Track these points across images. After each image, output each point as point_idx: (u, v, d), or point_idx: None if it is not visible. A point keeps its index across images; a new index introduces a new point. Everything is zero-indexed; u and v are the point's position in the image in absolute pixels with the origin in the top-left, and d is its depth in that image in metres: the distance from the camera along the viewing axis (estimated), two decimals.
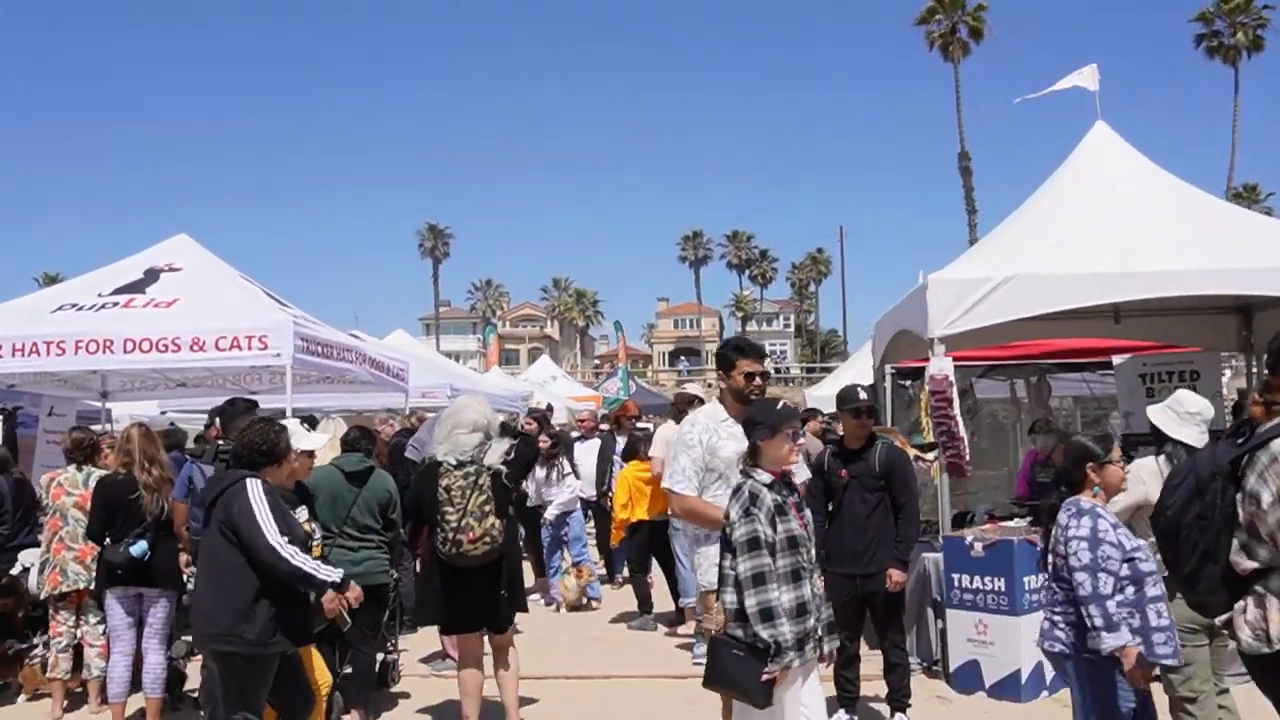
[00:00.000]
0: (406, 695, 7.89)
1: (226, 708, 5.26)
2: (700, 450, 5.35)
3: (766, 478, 4.68)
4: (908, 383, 12.74)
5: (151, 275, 10.33)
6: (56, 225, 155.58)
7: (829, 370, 73.73)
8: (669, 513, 7.80)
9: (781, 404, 4.87)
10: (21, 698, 8.02)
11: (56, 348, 9.39)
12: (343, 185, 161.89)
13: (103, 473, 7.72)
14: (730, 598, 4.56)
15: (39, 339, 9.41)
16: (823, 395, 27.78)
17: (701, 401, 10.56)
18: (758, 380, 5.40)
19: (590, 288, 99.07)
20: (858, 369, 26.12)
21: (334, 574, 5.42)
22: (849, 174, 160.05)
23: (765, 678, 4.44)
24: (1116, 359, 11.44)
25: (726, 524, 4.63)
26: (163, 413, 14.19)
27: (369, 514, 7.14)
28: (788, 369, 73.64)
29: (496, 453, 6.49)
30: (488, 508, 6.27)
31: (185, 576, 7.71)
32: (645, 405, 26.10)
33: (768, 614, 4.46)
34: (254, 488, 5.29)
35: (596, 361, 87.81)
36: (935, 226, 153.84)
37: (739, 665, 4.49)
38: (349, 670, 7.24)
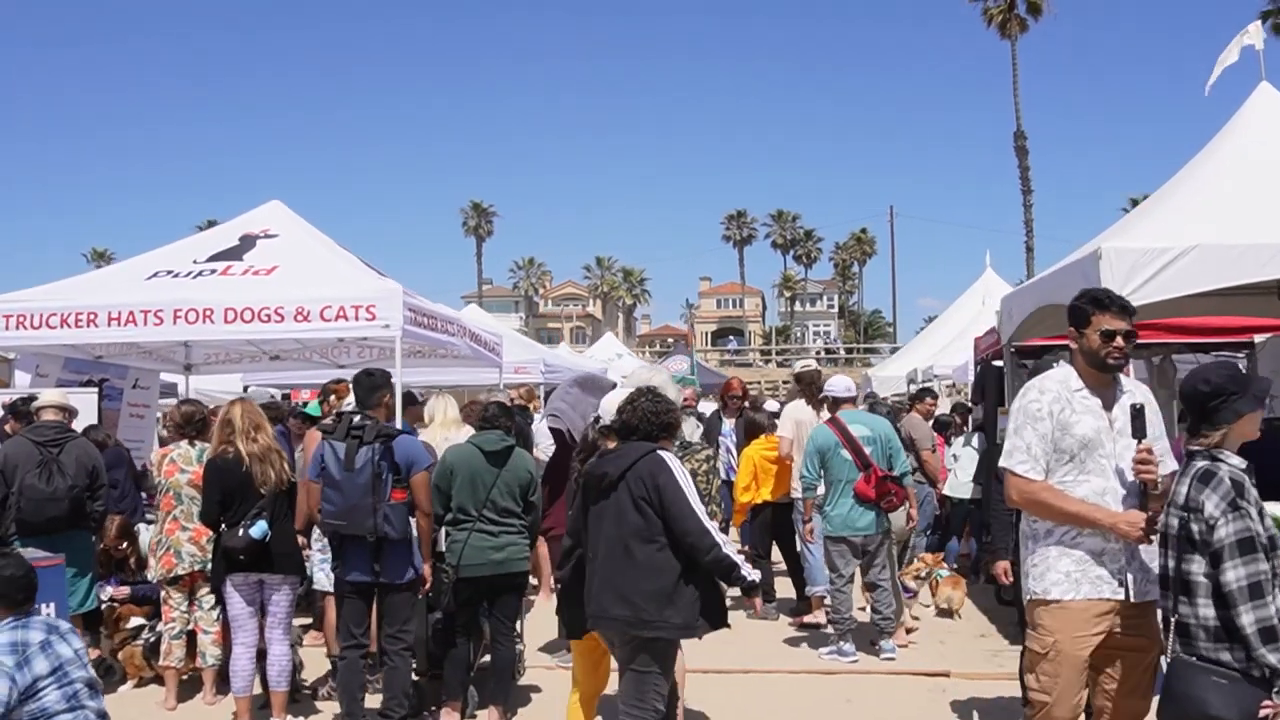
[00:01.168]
0: (536, 689, 7.39)
1: (638, 691, 4.85)
2: (1050, 425, 4.36)
3: (1240, 461, 3.96)
4: (1029, 363, 12.08)
5: (248, 242, 9.87)
6: (102, 202, 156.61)
7: (873, 351, 73.31)
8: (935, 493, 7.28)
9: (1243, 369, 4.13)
10: (126, 685, 7.59)
11: (154, 317, 8.92)
12: (387, 164, 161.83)
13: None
14: (1207, 612, 3.83)
15: (135, 308, 8.94)
16: (885, 376, 27.23)
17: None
18: (1119, 341, 4.31)
19: (637, 266, 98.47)
20: (922, 351, 25.65)
21: (753, 573, 4.91)
22: (898, 154, 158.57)
23: (1266, 712, 3.70)
24: (1258, 338, 10.74)
25: (1194, 517, 3.86)
26: (245, 388, 13.76)
27: (509, 496, 6.63)
28: (837, 349, 72.59)
29: (687, 431, 6.00)
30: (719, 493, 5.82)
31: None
32: (705, 384, 25.58)
33: (1270, 633, 3.70)
34: (675, 463, 4.85)
35: (635, 341, 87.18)
36: (988, 207, 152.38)
37: (1222, 695, 3.75)
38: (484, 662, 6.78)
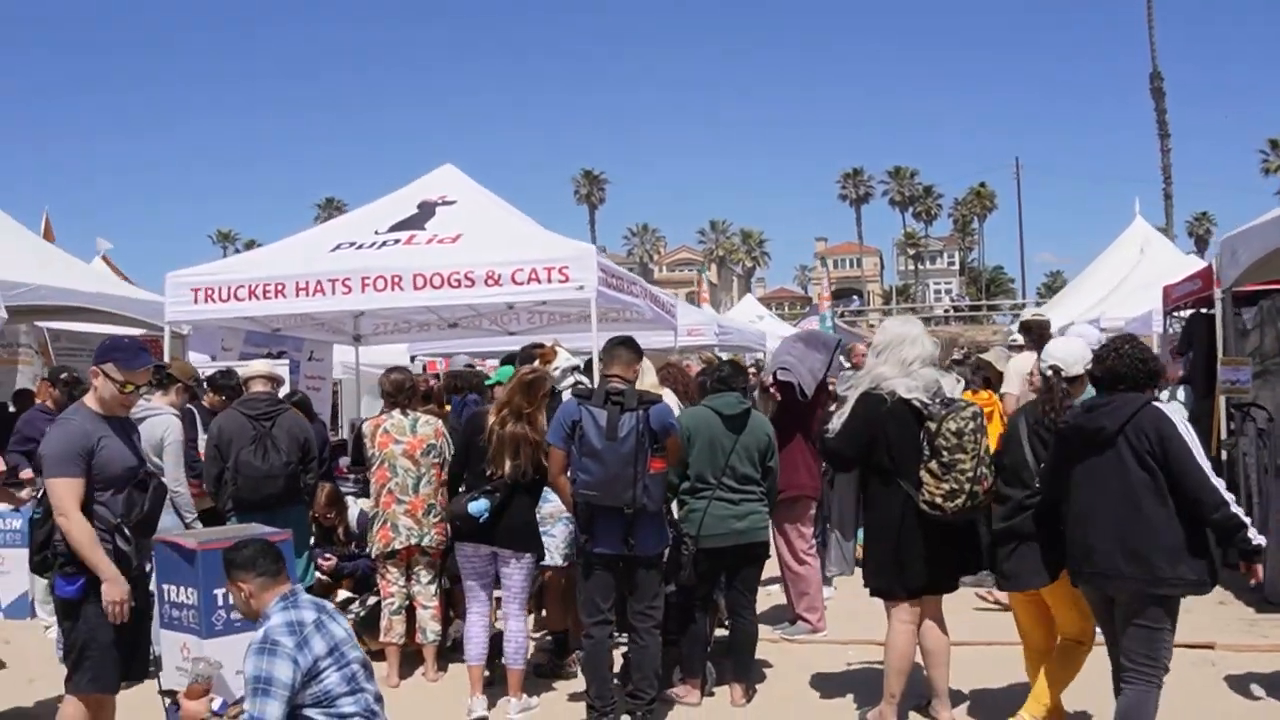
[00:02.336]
0: (766, 663, 6.99)
1: (1150, 647, 4.67)
2: None
3: None
4: (1244, 310, 11.26)
5: (426, 209, 9.66)
6: (225, 183, 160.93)
7: (995, 309, 71.35)
8: None
9: None
10: None
11: (342, 286, 8.75)
12: (498, 132, 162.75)
13: (428, 418, 7.05)
14: None
15: (323, 277, 8.78)
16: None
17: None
18: None
19: (757, 227, 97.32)
20: (1074, 303, 24.57)
21: (1259, 536, 4.61)
22: (1021, 103, 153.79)
23: None
24: None
25: None
26: (412, 358, 13.63)
27: (749, 462, 6.23)
28: (964, 306, 70.84)
29: (948, 387, 5.52)
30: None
31: None
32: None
33: None
34: (1178, 415, 4.66)
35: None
36: (1110, 156, 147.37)
37: None
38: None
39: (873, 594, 5.74)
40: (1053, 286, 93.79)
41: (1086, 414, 4.83)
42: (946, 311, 62.42)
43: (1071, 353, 5.40)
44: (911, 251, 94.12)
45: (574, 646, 7.03)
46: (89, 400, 4.97)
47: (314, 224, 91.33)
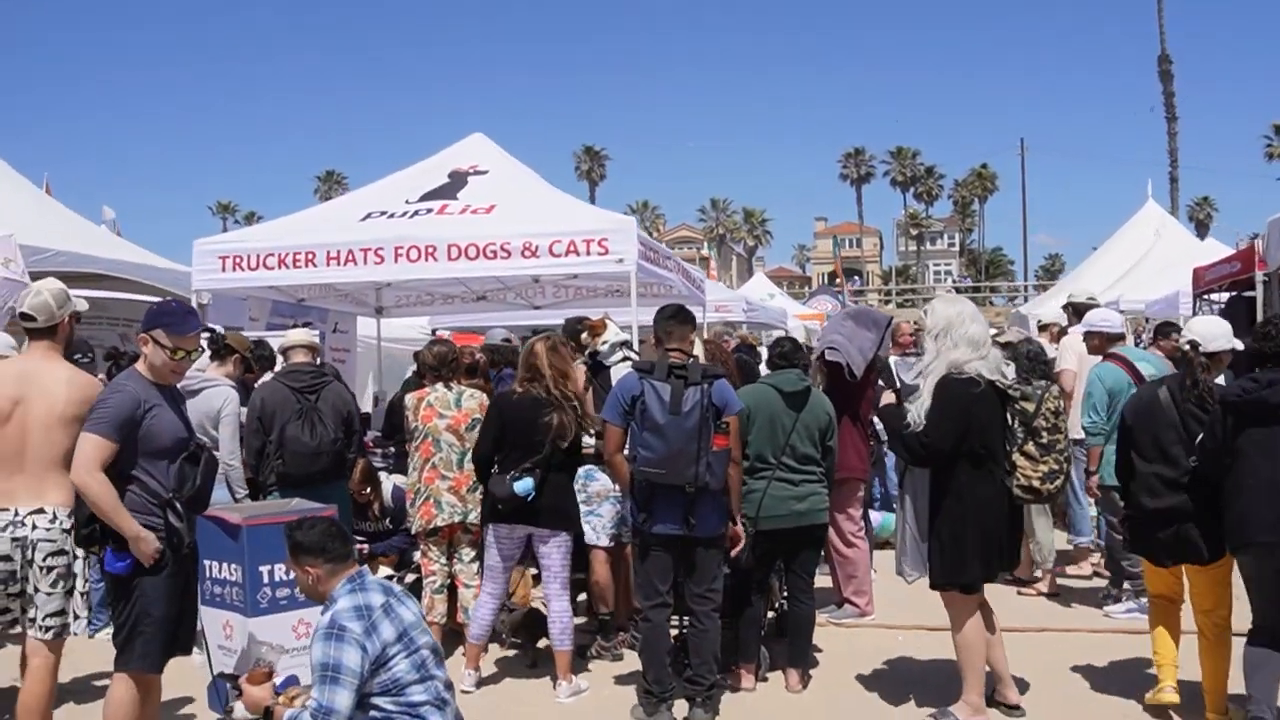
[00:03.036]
0: (817, 648, 6.81)
1: None
2: None
3: None
4: None
5: (458, 179, 9.45)
6: (222, 155, 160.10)
7: (995, 290, 71.15)
8: None
9: None
10: None
11: (374, 255, 8.54)
12: (500, 107, 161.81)
13: (473, 392, 6.83)
14: None
15: (355, 247, 8.57)
16: (1042, 314, 25.94)
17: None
18: None
19: (758, 206, 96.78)
20: (1084, 286, 24.38)
21: None
22: (1024, 84, 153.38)
23: None
24: None
25: None
26: (433, 331, 13.40)
27: (809, 441, 6.05)
28: (965, 288, 70.72)
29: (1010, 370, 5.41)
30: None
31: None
32: None
33: None
34: None
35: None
36: (1121, 138, 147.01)
37: None
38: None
39: (945, 588, 5.48)
40: (1050, 269, 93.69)
41: (1268, 388, 4.80)
42: (949, 292, 62.20)
43: (1211, 328, 5.44)
44: (914, 232, 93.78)
45: (619, 628, 6.87)
46: (140, 367, 4.76)
47: (314, 197, 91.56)
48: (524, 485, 5.91)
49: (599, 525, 6.74)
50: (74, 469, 4.50)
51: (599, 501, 6.75)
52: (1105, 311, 8.58)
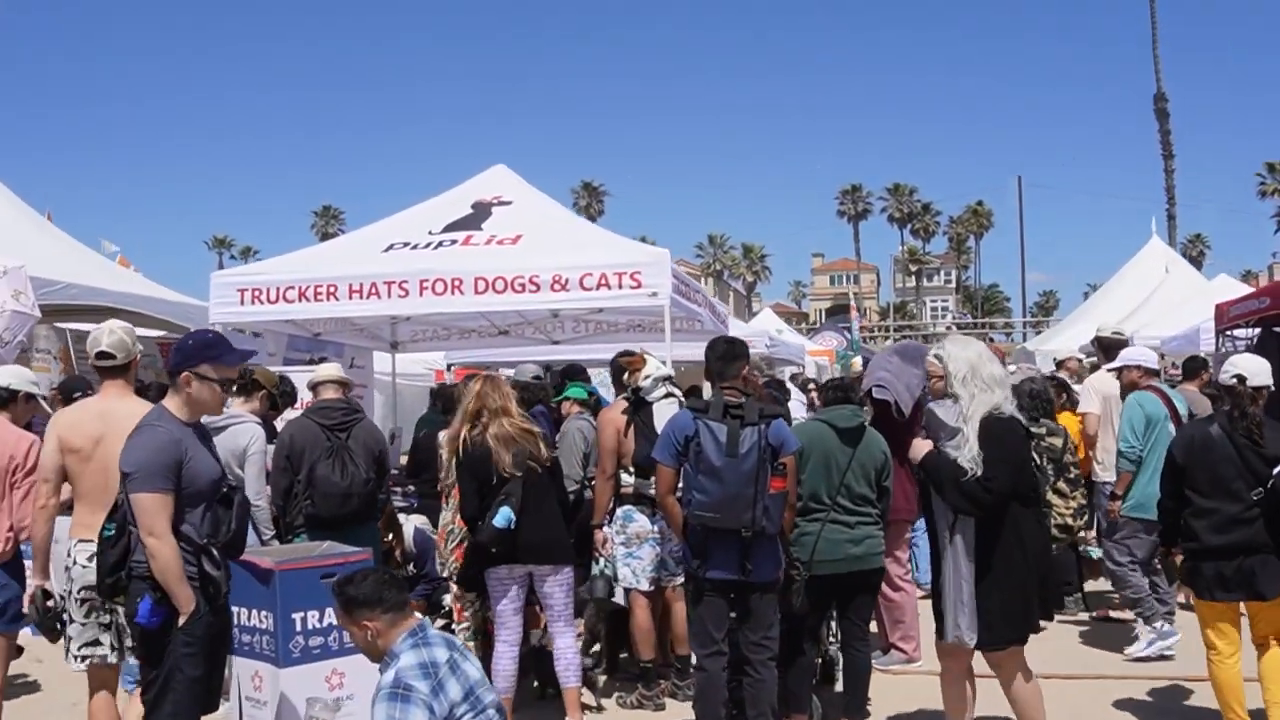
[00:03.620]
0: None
1: None
2: None
3: None
4: None
5: (482, 210, 9.24)
6: (221, 190, 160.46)
7: (992, 325, 71.24)
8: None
9: None
10: None
11: (399, 289, 8.29)
12: (497, 144, 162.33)
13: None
14: None
15: (379, 279, 8.32)
16: (1049, 350, 25.81)
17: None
18: None
19: (755, 242, 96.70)
20: (1090, 323, 24.26)
21: None
22: (1022, 122, 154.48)
23: None
24: None
25: None
26: (449, 366, 13.16)
27: (865, 481, 5.79)
28: (967, 324, 70.69)
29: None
30: None
31: (598, 554, 6.54)
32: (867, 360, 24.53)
33: None
34: None
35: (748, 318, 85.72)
36: (1115, 176, 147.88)
37: None
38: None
39: (993, 647, 5.10)
40: (1045, 305, 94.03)
41: None
42: (949, 329, 62.20)
43: (1255, 364, 5.52)
44: (914, 269, 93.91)
45: (660, 676, 6.58)
46: (171, 405, 4.48)
47: (311, 231, 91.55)
48: (502, 516, 5.65)
49: (638, 568, 6.47)
50: (143, 532, 4.21)
51: (638, 543, 6.49)
52: (1143, 349, 8.62)
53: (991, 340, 59.63)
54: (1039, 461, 5.38)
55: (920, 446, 5.20)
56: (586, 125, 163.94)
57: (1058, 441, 5.14)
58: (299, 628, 5.35)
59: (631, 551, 6.47)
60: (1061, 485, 5.24)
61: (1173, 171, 54.67)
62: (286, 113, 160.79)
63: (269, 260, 8.98)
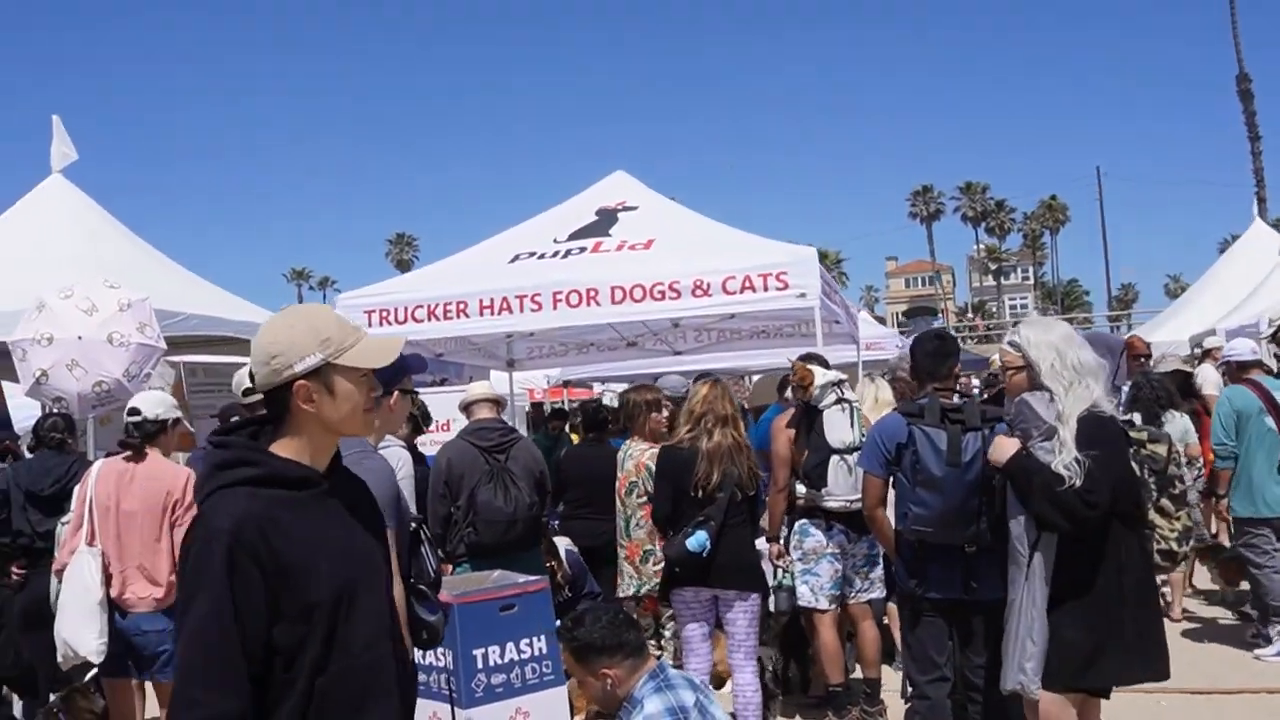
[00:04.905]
0: None
1: None
2: None
3: None
4: None
5: (607, 216, 8.84)
6: (298, 222, 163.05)
7: (1076, 322, 69.70)
8: None
9: None
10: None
11: (531, 303, 7.90)
12: (547, 150, 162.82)
13: (644, 445, 6.20)
14: None
15: (510, 293, 7.95)
16: (1154, 342, 24.91)
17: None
18: None
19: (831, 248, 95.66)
20: (1196, 314, 23.35)
21: None
22: (1094, 113, 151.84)
23: None
24: None
25: None
26: (565, 382, 12.81)
27: None
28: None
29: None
30: None
31: (775, 566, 6.13)
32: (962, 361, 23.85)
33: None
34: None
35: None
36: (1198, 161, 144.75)
37: None
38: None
39: (1050, 687, 4.17)
40: (1125, 299, 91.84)
41: None
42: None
43: None
44: (993, 266, 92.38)
45: (845, 703, 6.12)
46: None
47: (386, 260, 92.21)
48: (697, 540, 5.34)
49: (816, 585, 6.02)
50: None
51: (815, 559, 6.04)
52: (1240, 340, 8.47)
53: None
54: (1140, 473, 4.52)
55: (1006, 446, 4.32)
56: (651, 138, 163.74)
57: (1161, 449, 4.42)
58: (480, 665, 5.00)
59: (809, 568, 6.03)
60: (1165, 503, 4.43)
61: (1260, 154, 52.99)
62: (355, 142, 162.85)
63: (391, 280, 8.70)
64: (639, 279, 7.73)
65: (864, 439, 5.46)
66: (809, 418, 6.15)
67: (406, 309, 8.16)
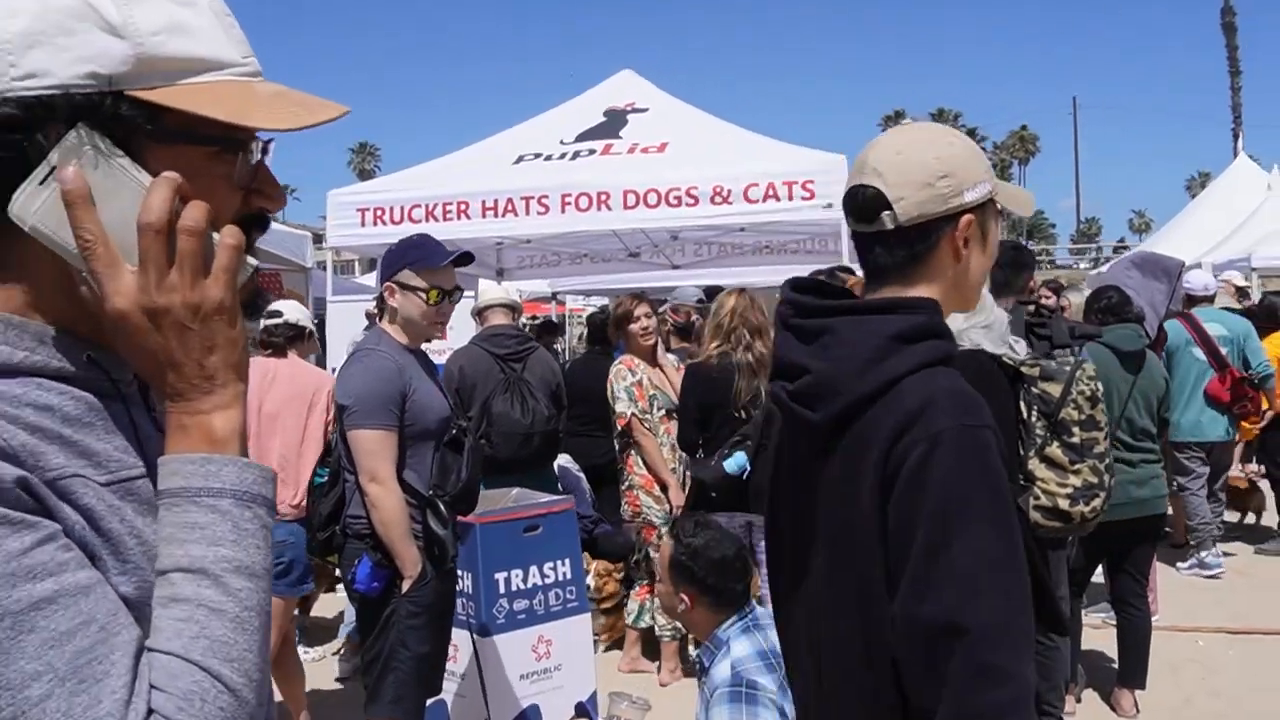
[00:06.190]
0: (1108, 659, 5.74)
1: None
2: None
3: None
4: None
5: (616, 117, 8.33)
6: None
7: (1045, 254, 69.46)
8: None
9: None
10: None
11: (538, 204, 7.39)
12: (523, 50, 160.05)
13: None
14: None
15: (515, 194, 7.45)
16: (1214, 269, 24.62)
17: None
18: None
19: None
20: (1179, 243, 23.15)
21: None
22: (1074, 40, 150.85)
23: None
24: None
25: None
26: (553, 295, 12.34)
27: (1147, 413, 4.96)
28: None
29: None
30: None
31: None
32: None
33: None
34: None
35: None
36: (1179, 95, 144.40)
37: None
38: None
39: None
40: (1087, 233, 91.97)
41: None
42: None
43: None
44: None
45: None
46: (388, 328, 3.71)
47: (348, 169, 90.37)
48: (736, 461, 5.03)
49: None
50: (364, 477, 3.50)
51: None
52: (1192, 273, 8.53)
53: (1056, 266, 57.38)
54: (1026, 416, 3.87)
55: None
56: (629, 48, 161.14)
57: (1054, 389, 3.86)
58: (502, 590, 4.63)
59: None
60: (1055, 451, 3.81)
61: (1239, 89, 52.66)
62: (313, 40, 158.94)
63: (389, 176, 8.15)
64: (653, 184, 7.24)
65: None
66: None
67: (403, 208, 7.63)
